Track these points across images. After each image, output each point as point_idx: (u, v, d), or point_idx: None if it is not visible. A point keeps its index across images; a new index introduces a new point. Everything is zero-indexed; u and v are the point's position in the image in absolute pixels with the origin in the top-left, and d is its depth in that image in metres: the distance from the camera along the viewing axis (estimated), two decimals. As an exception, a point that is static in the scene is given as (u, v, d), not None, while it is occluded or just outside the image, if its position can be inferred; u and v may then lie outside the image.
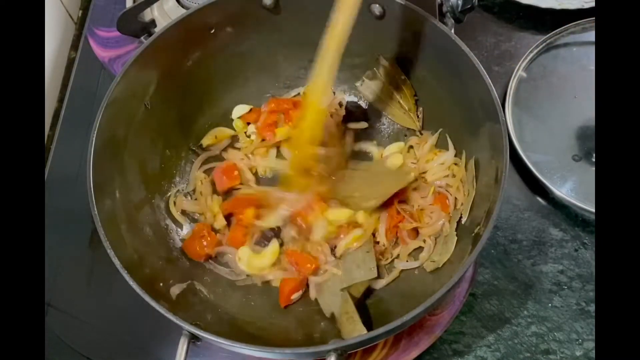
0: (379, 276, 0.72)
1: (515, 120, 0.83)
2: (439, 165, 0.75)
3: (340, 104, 0.82)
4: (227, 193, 0.79)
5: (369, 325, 0.65)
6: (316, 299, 0.71)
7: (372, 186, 0.74)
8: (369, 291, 0.71)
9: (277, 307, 0.72)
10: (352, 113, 0.82)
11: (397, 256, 0.73)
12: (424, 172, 0.76)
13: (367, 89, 0.81)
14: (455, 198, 0.72)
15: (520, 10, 0.93)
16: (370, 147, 0.81)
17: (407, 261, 0.72)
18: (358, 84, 0.83)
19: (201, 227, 0.75)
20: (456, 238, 0.68)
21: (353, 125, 0.81)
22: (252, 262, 0.73)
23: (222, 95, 0.81)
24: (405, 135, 0.81)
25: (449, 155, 0.74)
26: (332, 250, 0.73)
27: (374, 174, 0.77)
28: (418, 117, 0.79)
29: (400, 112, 0.80)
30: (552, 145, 0.82)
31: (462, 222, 0.69)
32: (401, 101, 0.80)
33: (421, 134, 0.79)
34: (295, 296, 0.72)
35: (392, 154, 0.78)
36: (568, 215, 0.79)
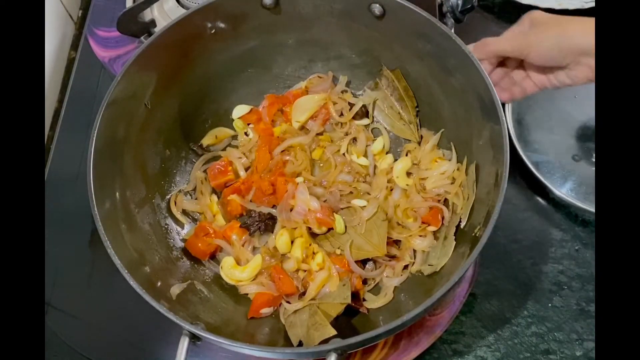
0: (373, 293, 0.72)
1: (515, 120, 0.83)
2: (439, 175, 0.74)
3: (344, 92, 0.82)
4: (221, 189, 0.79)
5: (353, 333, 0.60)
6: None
7: (364, 237, 0.73)
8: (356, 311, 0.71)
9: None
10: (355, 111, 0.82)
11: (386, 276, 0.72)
12: (424, 179, 0.75)
13: (368, 99, 0.81)
14: (454, 203, 0.72)
15: (520, 11, 0.92)
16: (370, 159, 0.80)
17: (400, 275, 0.72)
18: (360, 93, 0.83)
19: (204, 224, 0.75)
20: (455, 242, 0.68)
21: (357, 122, 0.81)
22: (232, 272, 0.72)
23: (222, 95, 0.81)
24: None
25: (450, 166, 0.73)
26: (302, 294, 0.71)
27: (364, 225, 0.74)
28: (418, 128, 0.79)
29: (400, 124, 0.80)
30: (552, 145, 0.82)
31: (462, 227, 0.69)
32: (402, 112, 0.80)
33: (419, 144, 0.79)
34: (265, 311, 0.70)
35: (399, 177, 0.76)
36: (568, 215, 0.79)
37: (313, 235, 0.75)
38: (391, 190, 0.76)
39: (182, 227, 0.77)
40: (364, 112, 0.81)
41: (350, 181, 0.77)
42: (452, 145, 0.74)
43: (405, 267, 0.72)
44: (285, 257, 0.73)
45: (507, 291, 0.75)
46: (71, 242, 0.81)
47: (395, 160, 0.78)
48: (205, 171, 0.79)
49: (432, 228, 0.73)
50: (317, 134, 0.80)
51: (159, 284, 0.66)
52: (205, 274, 0.74)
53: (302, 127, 0.81)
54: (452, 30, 0.68)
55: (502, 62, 0.70)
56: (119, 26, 0.85)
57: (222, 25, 0.74)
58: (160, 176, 0.77)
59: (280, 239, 0.72)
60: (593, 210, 0.76)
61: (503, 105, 0.63)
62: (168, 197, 0.77)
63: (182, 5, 0.90)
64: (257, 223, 0.75)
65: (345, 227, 0.73)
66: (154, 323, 0.73)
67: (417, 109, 0.79)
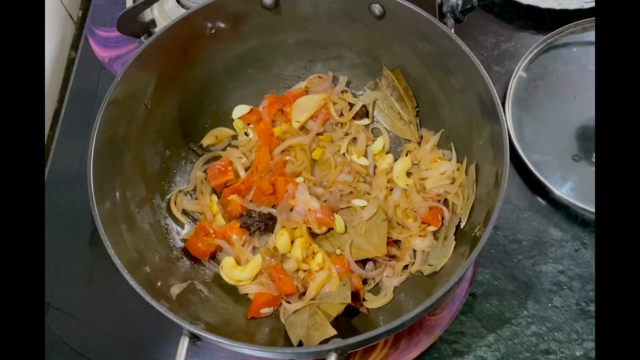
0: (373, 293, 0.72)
1: (515, 120, 0.83)
2: (439, 175, 0.74)
3: (344, 92, 0.82)
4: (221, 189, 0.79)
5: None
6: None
7: (364, 237, 0.73)
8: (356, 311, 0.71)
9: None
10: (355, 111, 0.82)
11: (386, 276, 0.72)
12: (424, 179, 0.75)
13: (368, 100, 0.81)
14: (454, 203, 0.72)
15: (520, 10, 0.93)
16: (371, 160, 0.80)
17: (400, 275, 0.72)
18: (360, 93, 0.83)
19: (204, 224, 0.75)
20: (454, 242, 0.68)
21: (357, 122, 0.81)
22: (232, 272, 0.72)
23: (222, 95, 0.81)
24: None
25: (450, 166, 0.73)
26: (302, 294, 0.71)
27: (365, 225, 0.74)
28: (418, 128, 0.79)
29: (400, 124, 0.80)
30: (552, 145, 0.82)
31: (462, 227, 0.69)
32: (402, 112, 0.80)
33: (419, 144, 0.79)
34: (265, 311, 0.70)
35: (399, 177, 0.76)
36: (568, 215, 0.79)
37: (313, 235, 0.75)
38: (391, 190, 0.76)
39: (182, 227, 0.77)
40: (364, 112, 0.81)
41: (350, 181, 0.77)
42: (452, 145, 0.74)
43: (405, 267, 0.72)
44: (285, 257, 0.73)
45: (507, 291, 0.75)
46: (71, 242, 0.81)
47: (395, 160, 0.78)
48: (205, 171, 0.79)
49: (432, 228, 0.73)
50: (317, 134, 0.80)
51: (159, 284, 0.66)
52: (205, 274, 0.74)
53: (302, 127, 0.81)
54: (452, 30, 0.68)
55: None
56: (119, 26, 0.85)
57: (222, 25, 0.75)
58: (160, 176, 0.77)
59: (280, 239, 0.72)
60: (593, 210, 0.76)
61: (503, 105, 0.63)
62: (168, 197, 0.77)
63: (182, 5, 0.90)
64: (257, 223, 0.75)
65: (345, 227, 0.74)
66: (154, 323, 0.72)
67: (417, 109, 0.79)
